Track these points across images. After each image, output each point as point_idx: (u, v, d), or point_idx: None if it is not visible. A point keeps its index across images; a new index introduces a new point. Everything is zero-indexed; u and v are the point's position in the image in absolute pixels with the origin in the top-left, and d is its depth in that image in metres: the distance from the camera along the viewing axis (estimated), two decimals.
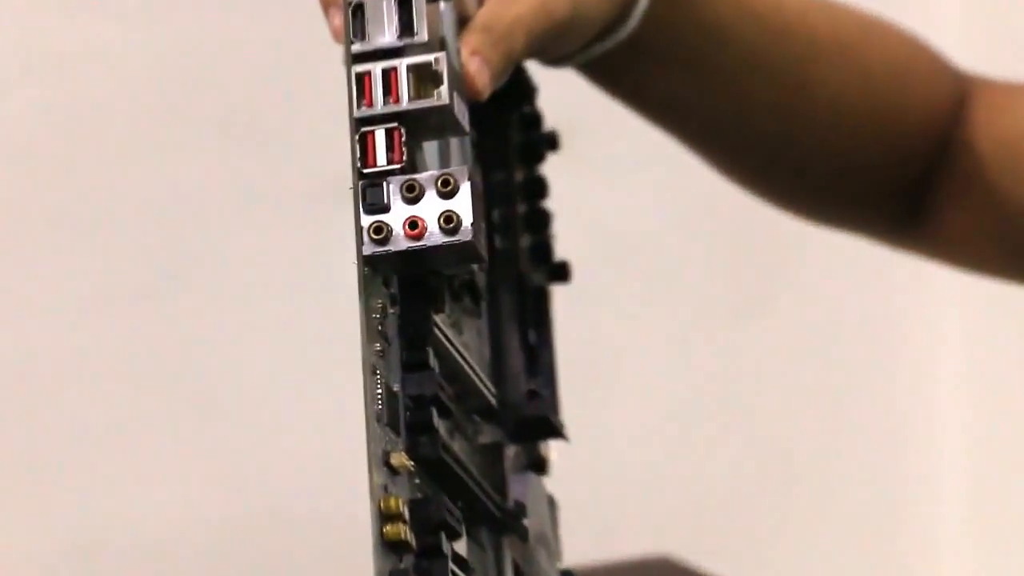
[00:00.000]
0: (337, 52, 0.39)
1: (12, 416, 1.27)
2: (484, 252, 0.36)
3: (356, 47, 0.36)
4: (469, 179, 0.35)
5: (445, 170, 0.35)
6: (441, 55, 0.36)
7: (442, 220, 0.35)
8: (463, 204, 0.35)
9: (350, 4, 0.36)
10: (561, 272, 0.47)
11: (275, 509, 1.27)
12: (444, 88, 0.36)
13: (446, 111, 0.36)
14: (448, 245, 0.35)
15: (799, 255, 1.20)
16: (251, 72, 1.34)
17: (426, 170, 0.37)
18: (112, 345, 1.33)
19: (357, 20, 0.36)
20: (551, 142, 0.48)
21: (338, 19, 0.39)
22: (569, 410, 0.45)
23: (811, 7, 0.57)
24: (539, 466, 0.45)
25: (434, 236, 0.35)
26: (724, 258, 1.22)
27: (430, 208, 0.35)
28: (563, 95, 0.51)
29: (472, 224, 0.35)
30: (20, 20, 1.36)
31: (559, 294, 0.47)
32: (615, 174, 1.18)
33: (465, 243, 0.35)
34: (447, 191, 0.35)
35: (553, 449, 0.45)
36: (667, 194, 1.19)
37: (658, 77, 0.54)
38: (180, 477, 1.24)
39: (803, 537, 1.22)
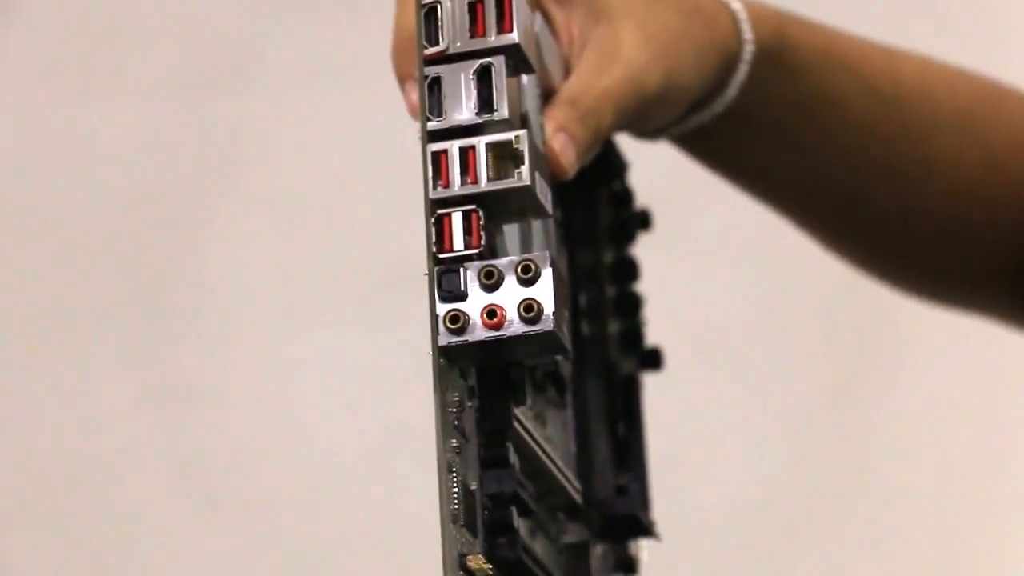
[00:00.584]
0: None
1: None
2: (568, 342, 0.34)
3: (432, 124, 0.34)
4: (551, 265, 0.33)
5: (526, 256, 0.33)
6: (522, 132, 0.34)
7: (522, 308, 0.33)
8: (544, 291, 0.33)
9: (427, 78, 0.35)
10: (653, 359, 0.44)
11: None
12: (525, 168, 0.34)
13: (527, 192, 0.34)
14: (529, 335, 0.33)
15: (892, 339, 1.16)
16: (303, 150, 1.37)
17: (506, 255, 0.35)
18: (171, 443, 1.36)
19: (434, 95, 0.35)
20: (643, 221, 0.45)
21: (415, 94, 0.37)
22: (659, 506, 0.43)
23: (930, 76, 0.54)
24: (628, 567, 0.43)
25: (514, 325, 0.33)
26: (814, 343, 1.19)
27: (510, 296, 0.33)
28: (650, 170, 0.49)
29: (554, 313, 0.33)
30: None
31: (648, 382, 0.45)
32: (701, 254, 1.17)
33: (547, 333, 0.33)
34: (528, 278, 0.33)
35: (643, 548, 0.43)
36: (755, 276, 1.17)
37: (760, 150, 0.51)
38: None
39: None
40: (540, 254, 0.33)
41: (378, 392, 1.27)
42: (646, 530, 0.42)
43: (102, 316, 1.35)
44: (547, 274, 0.33)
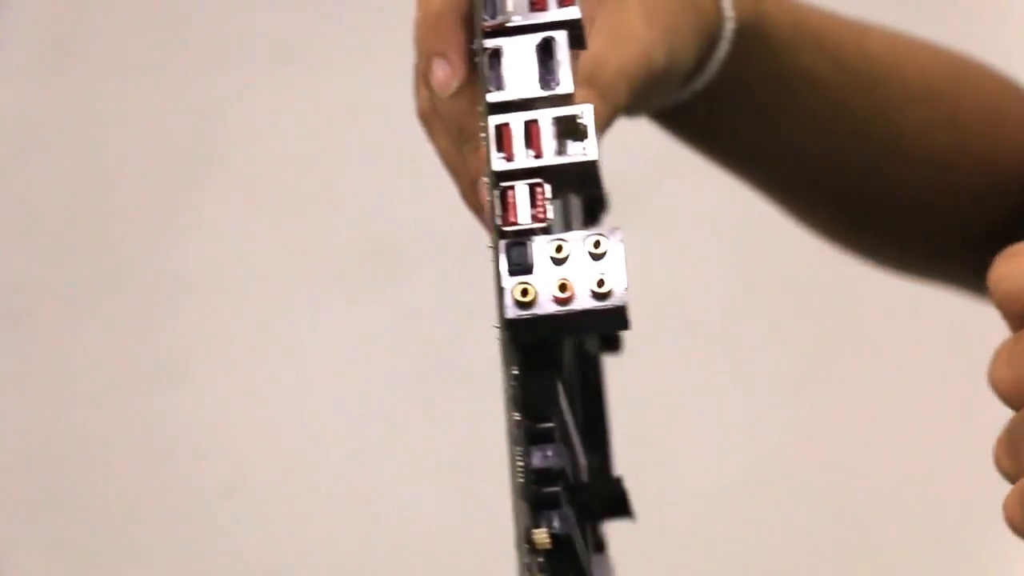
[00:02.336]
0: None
1: None
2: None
3: (493, 96, 0.34)
4: (621, 240, 0.33)
5: (596, 230, 0.33)
6: (588, 107, 0.34)
7: (595, 284, 0.32)
8: (616, 267, 0.33)
9: (487, 51, 0.34)
10: (612, 343, 0.45)
11: None
12: (591, 142, 0.34)
13: (592, 167, 0.34)
14: (599, 311, 0.33)
15: (861, 312, 1.20)
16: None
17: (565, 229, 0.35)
18: (151, 422, 1.31)
19: (494, 68, 0.34)
20: (601, 204, 0.46)
21: (441, 71, 0.37)
22: (630, 483, 0.43)
23: (898, 50, 0.56)
24: (598, 546, 0.43)
25: (583, 300, 0.33)
26: (789, 318, 1.22)
27: (579, 270, 0.33)
28: (625, 146, 0.49)
29: (626, 288, 0.33)
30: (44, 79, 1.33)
31: (621, 360, 0.45)
32: (674, 231, 1.18)
33: (617, 308, 0.33)
34: (599, 253, 0.33)
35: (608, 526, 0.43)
36: (729, 252, 1.19)
37: (736, 125, 0.53)
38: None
39: None
40: (611, 229, 0.33)
41: (364, 368, 1.27)
42: (627, 510, 0.42)
43: (81, 296, 1.33)
44: (618, 249, 0.33)
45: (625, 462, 0.44)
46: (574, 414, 0.41)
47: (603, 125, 0.38)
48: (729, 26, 0.47)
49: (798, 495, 1.22)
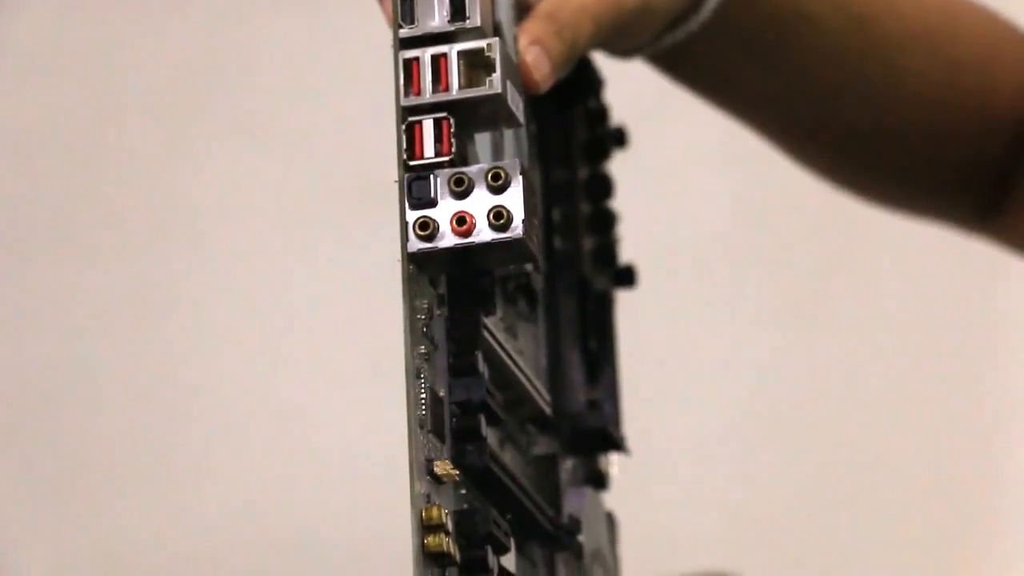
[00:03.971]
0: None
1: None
2: (537, 251, 0.34)
3: (404, 32, 0.34)
4: (521, 172, 0.33)
5: (496, 163, 0.33)
6: (494, 40, 0.34)
7: (492, 216, 0.33)
8: (514, 199, 0.33)
9: None
10: (627, 277, 0.45)
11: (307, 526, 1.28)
12: (497, 76, 0.34)
13: (498, 100, 0.34)
14: (498, 243, 0.33)
15: (861, 246, 1.17)
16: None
17: (477, 164, 0.35)
18: (134, 358, 1.37)
19: (406, 3, 0.34)
20: (618, 139, 0.45)
21: (390, 3, 0.37)
22: (630, 421, 0.43)
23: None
24: (598, 481, 0.43)
25: (483, 233, 0.33)
26: (789, 257, 1.20)
27: (479, 203, 0.33)
28: (624, 87, 0.49)
29: (523, 220, 0.33)
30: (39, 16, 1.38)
31: (621, 299, 0.45)
32: (675, 171, 1.17)
33: (516, 240, 0.33)
34: (497, 185, 0.33)
35: (614, 463, 0.43)
36: (729, 192, 1.18)
37: (733, 67, 0.52)
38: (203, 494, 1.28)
39: (873, 554, 1.18)
40: (510, 162, 0.33)
41: (352, 308, 1.28)
42: (616, 444, 0.42)
43: (68, 233, 1.36)
44: (517, 181, 0.33)
45: (626, 398, 0.43)
46: (559, 349, 0.42)
47: (559, 60, 0.38)
48: None
49: (803, 428, 1.19)
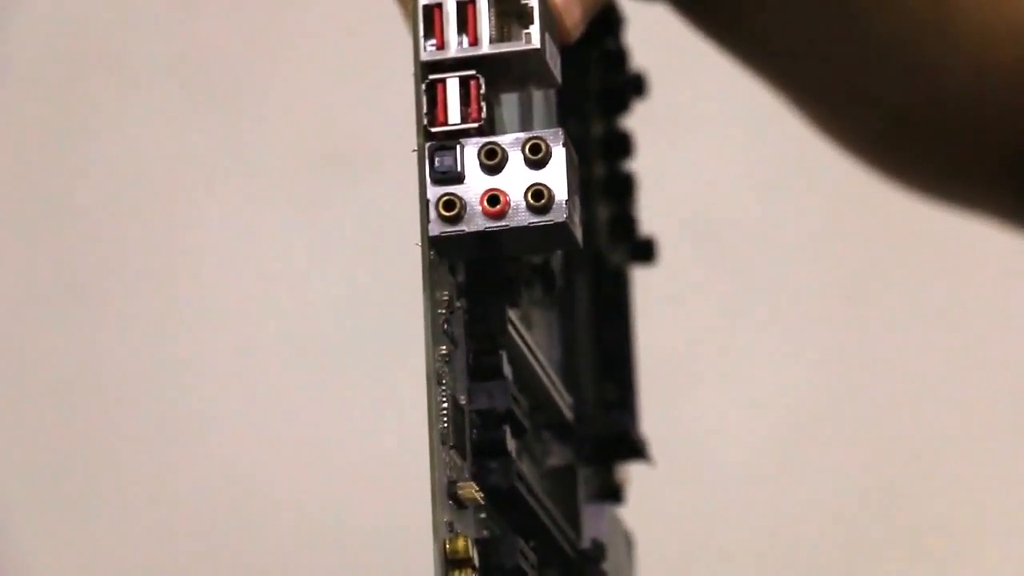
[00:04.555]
0: None
1: None
2: (579, 235, 0.30)
3: None
4: (564, 144, 0.28)
5: (534, 133, 0.29)
6: None
7: (530, 195, 0.28)
8: (557, 176, 0.28)
9: None
10: (646, 251, 0.40)
11: None
12: (536, 28, 0.29)
13: (537, 57, 0.29)
14: (537, 226, 0.28)
15: (908, 229, 1.12)
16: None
17: (506, 132, 0.30)
18: (79, 341, 1.35)
19: None
20: (636, 86, 0.41)
21: None
22: (649, 421, 0.39)
23: None
24: (614, 494, 0.39)
25: (519, 215, 0.28)
26: (830, 232, 1.15)
27: (515, 180, 0.28)
28: (647, 36, 0.45)
29: (567, 201, 0.28)
30: None
31: (638, 278, 0.41)
32: (703, 131, 1.12)
33: (558, 224, 0.28)
34: (537, 159, 0.28)
35: (631, 473, 0.39)
36: (763, 156, 1.12)
37: (763, 16, 0.48)
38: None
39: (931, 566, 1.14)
40: (552, 132, 0.29)
41: (320, 277, 1.26)
42: (638, 451, 0.38)
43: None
44: (560, 155, 0.28)
45: (648, 397, 0.39)
46: (572, 338, 0.37)
47: (590, 6, 0.34)
48: None
49: (841, 429, 1.13)
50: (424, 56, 0.29)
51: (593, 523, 0.36)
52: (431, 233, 0.28)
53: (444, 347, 0.28)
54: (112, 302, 1.36)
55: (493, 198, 0.28)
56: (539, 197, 0.28)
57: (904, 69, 0.50)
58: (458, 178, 0.28)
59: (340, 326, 1.26)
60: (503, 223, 0.28)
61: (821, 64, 0.51)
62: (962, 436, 1.14)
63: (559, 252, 0.34)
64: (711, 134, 1.13)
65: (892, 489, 1.14)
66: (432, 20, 0.29)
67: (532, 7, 0.29)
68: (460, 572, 0.27)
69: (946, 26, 0.49)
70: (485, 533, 0.29)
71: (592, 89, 0.40)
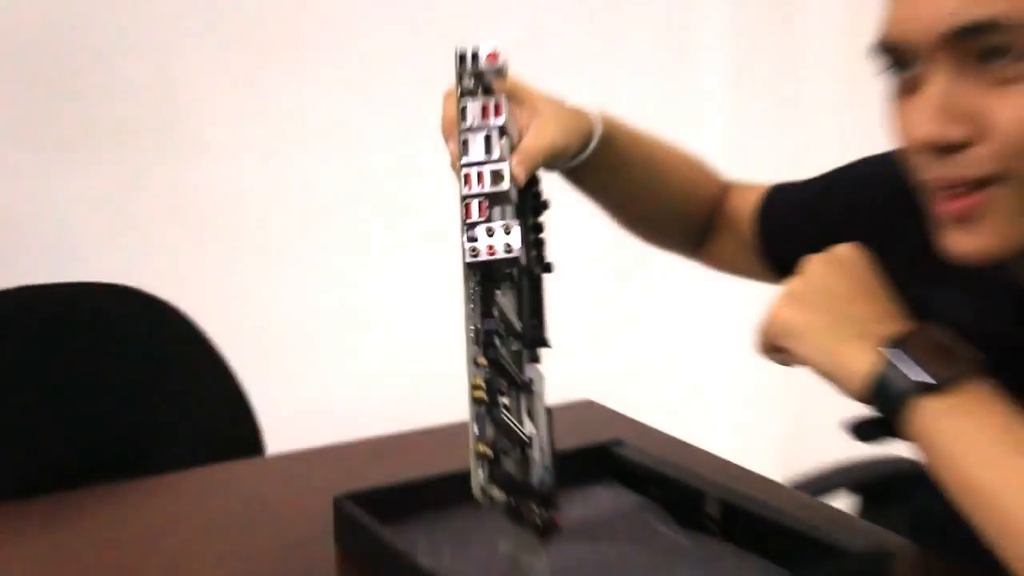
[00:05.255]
0: None
1: None
2: (525, 262, 0.74)
3: (464, 159, 0.74)
4: (520, 226, 0.73)
5: (508, 221, 0.73)
6: (505, 164, 0.74)
7: (503, 247, 0.72)
8: (516, 239, 0.72)
9: (463, 138, 0.74)
10: (549, 267, 0.84)
11: None
12: (506, 181, 0.74)
13: (508, 193, 0.74)
14: (507, 259, 0.73)
15: None
16: None
17: (499, 219, 0.74)
18: None
19: (464, 146, 0.74)
20: (546, 204, 0.85)
21: (453, 145, 0.77)
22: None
23: (661, 148, 1.00)
24: (536, 359, 0.81)
25: (500, 254, 0.72)
26: None
27: (499, 239, 0.72)
28: None
29: (520, 248, 0.73)
30: None
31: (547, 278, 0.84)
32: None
33: (515, 258, 0.73)
34: (507, 231, 0.72)
35: (544, 354, 0.82)
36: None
37: (600, 180, 0.97)
38: None
39: None
40: (515, 220, 0.73)
41: None
42: (546, 344, 0.81)
43: None
44: (517, 230, 0.72)
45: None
46: (522, 300, 0.81)
47: (529, 172, 0.78)
48: (598, 131, 0.89)
49: None
50: (463, 192, 0.74)
51: (529, 370, 0.80)
52: (466, 261, 0.73)
53: (472, 305, 0.73)
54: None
55: (490, 248, 0.72)
56: (509, 249, 0.72)
57: (652, 202, 1.02)
58: (475, 239, 0.73)
59: None
60: (493, 257, 0.72)
61: (621, 197, 1.00)
62: None
63: (514, 266, 0.77)
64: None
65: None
66: (467, 177, 0.74)
67: (504, 174, 0.74)
68: (478, 391, 0.71)
69: (666, 186, 1.01)
70: (488, 376, 0.73)
71: (528, 203, 0.83)
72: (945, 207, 0.69)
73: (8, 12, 1.71)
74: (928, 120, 0.67)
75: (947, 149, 0.67)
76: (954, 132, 0.66)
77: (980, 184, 0.67)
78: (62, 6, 1.77)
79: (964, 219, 0.68)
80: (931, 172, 0.69)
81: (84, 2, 1.79)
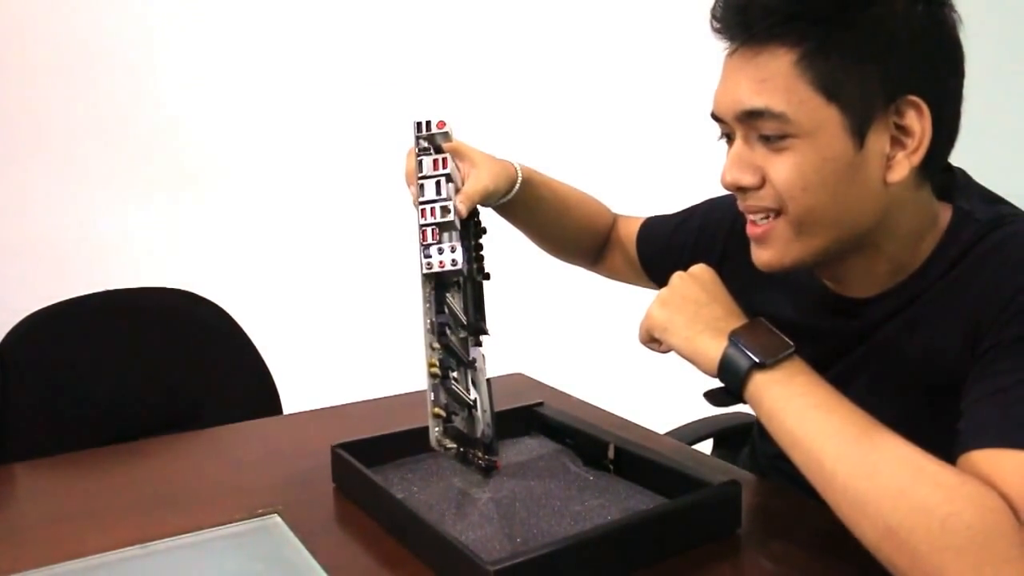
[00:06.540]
0: None
1: None
2: (467, 271, 1.01)
3: (421, 198, 1.00)
4: (463, 247, 0.99)
5: (454, 243, 0.99)
6: (451, 202, 1.00)
7: (451, 262, 0.99)
8: (459, 256, 0.99)
9: (420, 184, 1.01)
10: (487, 276, 1.09)
11: None
12: (453, 213, 1.00)
13: (454, 223, 1.00)
14: (454, 270, 0.99)
15: None
16: None
17: (447, 242, 1.00)
18: None
19: (422, 189, 1.01)
20: (484, 230, 1.10)
21: (414, 189, 1.03)
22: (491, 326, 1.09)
23: (566, 189, 1.27)
24: (479, 344, 1.06)
25: (448, 266, 0.99)
26: None
27: (448, 256, 0.99)
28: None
29: (464, 262, 0.99)
30: None
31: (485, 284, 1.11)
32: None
33: (460, 269, 0.99)
34: (453, 250, 0.99)
35: (484, 342, 1.08)
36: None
37: (522, 215, 1.23)
38: None
39: None
40: (459, 243, 0.99)
41: None
42: (486, 332, 1.06)
43: None
44: (460, 250, 0.99)
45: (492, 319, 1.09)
46: (467, 300, 1.08)
47: (469, 208, 1.04)
48: (519, 180, 1.16)
49: None
50: (421, 222, 1.01)
51: (473, 351, 1.05)
52: (424, 271, 0.99)
53: (427, 304, 0.99)
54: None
55: (442, 261, 0.99)
56: (455, 263, 0.98)
57: (561, 229, 1.28)
58: (430, 256, 0.99)
59: None
60: (445, 268, 0.99)
61: (539, 228, 1.26)
62: None
63: (460, 275, 1.03)
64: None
65: None
66: (423, 209, 1.01)
67: (451, 208, 1.00)
68: (433, 367, 0.97)
69: (569, 217, 1.27)
70: (440, 357, 0.98)
71: (471, 229, 1.09)
72: (750, 230, 0.95)
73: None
74: (731, 169, 0.92)
75: (744, 189, 0.92)
76: (747, 179, 0.91)
77: (768, 214, 0.92)
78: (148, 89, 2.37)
79: (759, 239, 0.94)
80: (741, 204, 0.95)
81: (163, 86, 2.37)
